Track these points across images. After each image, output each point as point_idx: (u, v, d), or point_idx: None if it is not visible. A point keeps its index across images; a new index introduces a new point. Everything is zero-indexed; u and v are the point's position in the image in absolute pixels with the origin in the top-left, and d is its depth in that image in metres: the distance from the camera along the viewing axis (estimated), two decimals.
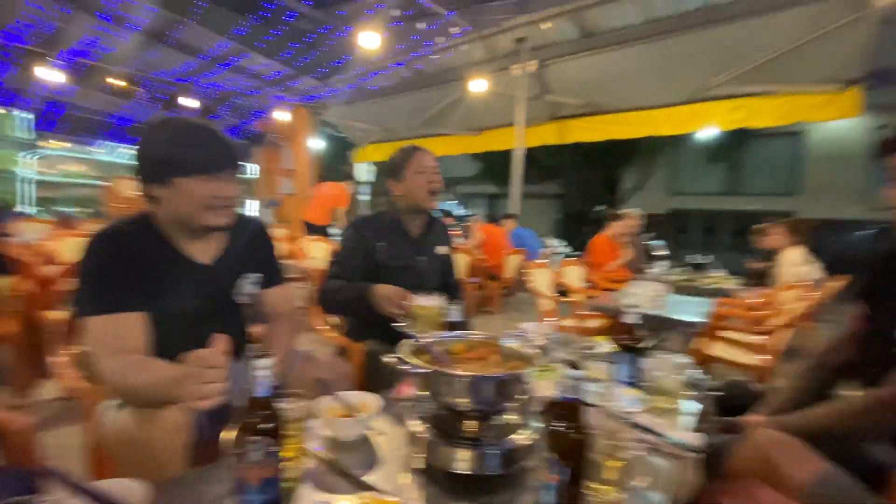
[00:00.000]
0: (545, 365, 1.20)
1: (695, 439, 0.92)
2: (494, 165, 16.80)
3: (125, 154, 10.60)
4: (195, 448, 1.00)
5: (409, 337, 0.93)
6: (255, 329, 1.37)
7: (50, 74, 6.20)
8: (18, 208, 8.52)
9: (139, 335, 1.02)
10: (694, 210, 15.94)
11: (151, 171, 1.07)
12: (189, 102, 7.65)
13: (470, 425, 0.82)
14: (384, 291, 1.43)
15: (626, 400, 1.11)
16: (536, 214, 19.65)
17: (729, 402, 1.32)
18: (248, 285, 1.27)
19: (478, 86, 5.62)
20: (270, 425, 0.67)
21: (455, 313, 1.19)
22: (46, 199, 9.15)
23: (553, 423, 0.67)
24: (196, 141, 1.08)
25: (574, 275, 3.95)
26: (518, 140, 5.63)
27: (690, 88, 4.90)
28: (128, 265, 1.03)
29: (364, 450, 0.89)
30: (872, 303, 1.14)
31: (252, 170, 9.54)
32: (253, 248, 1.30)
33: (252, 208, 9.32)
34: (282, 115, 8.11)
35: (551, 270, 3.67)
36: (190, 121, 1.15)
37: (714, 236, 15.81)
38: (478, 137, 7.10)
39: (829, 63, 4.09)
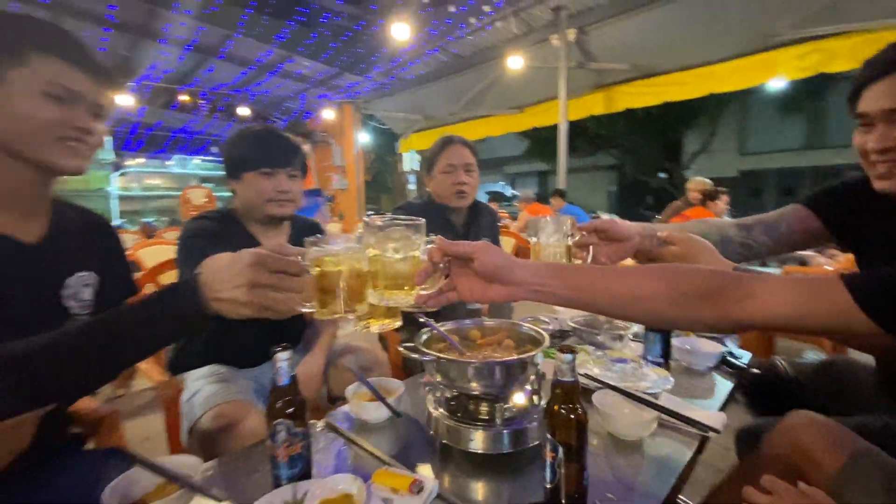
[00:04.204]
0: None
1: (718, 420, 0.90)
2: (542, 142, 16.33)
3: (195, 165, 11.50)
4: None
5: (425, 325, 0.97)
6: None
7: (122, 98, 6.89)
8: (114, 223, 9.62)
9: None
10: (768, 169, 14.57)
11: (229, 169, 1.33)
12: (244, 111, 8.15)
13: (482, 407, 0.87)
14: None
15: (653, 380, 1.09)
16: (590, 188, 18.90)
17: (763, 382, 1.26)
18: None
19: (515, 62, 5.47)
20: (293, 409, 0.75)
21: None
22: (132, 212, 10.23)
23: (550, 404, 0.69)
24: (258, 142, 1.31)
25: None
26: (562, 114, 5.44)
27: (750, 38, 4.46)
28: (217, 237, 1.25)
29: (388, 431, 0.97)
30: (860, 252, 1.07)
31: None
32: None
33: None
34: (328, 114, 8.42)
35: None
36: (261, 126, 1.38)
37: (794, 197, 14.39)
38: (520, 115, 6.94)
39: None
